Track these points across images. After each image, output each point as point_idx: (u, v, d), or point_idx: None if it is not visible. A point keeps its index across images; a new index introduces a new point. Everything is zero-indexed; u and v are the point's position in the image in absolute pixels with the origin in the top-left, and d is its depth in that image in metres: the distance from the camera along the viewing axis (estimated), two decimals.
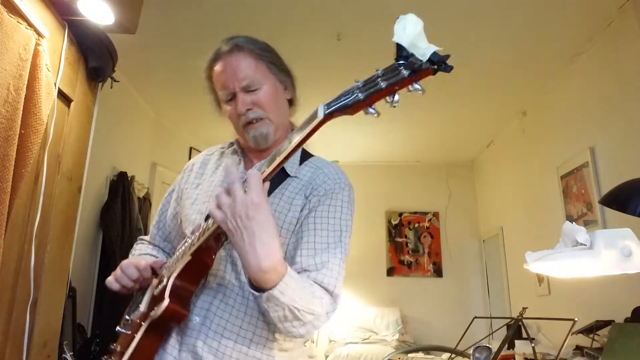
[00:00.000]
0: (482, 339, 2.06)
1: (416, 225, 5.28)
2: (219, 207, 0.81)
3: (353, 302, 4.97)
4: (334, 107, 0.74)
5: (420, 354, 3.74)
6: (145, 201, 3.58)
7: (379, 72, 0.72)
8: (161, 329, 0.97)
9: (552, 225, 3.30)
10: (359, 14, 2.70)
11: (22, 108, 1.30)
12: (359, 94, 0.72)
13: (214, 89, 1.15)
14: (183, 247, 0.99)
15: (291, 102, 1.20)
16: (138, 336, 0.95)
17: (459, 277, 5.08)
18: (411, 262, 5.19)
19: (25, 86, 1.31)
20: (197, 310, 0.98)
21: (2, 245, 1.21)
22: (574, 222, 1.17)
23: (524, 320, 1.97)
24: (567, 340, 1.68)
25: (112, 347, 1.04)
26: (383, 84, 0.71)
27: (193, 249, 0.92)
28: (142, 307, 1.01)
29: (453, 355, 2.23)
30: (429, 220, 5.28)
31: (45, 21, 1.45)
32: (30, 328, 1.42)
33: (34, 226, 1.43)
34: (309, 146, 1.17)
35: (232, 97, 1.09)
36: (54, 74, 1.50)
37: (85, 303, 2.91)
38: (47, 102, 1.42)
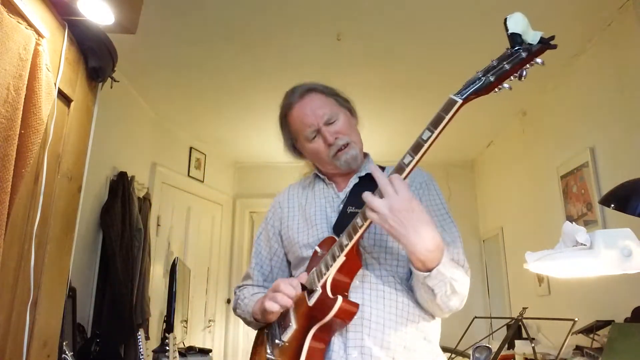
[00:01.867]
0: (482, 339, 2.06)
1: None
2: (374, 210, 0.93)
3: None
4: (469, 92, 0.94)
5: None
6: (145, 201, 3.58)
7: (495, 61, 0.91)
8: (327, 333, 1.05)
9: (552, 225, 3.30)
10: (359, 14, 2.70)
11: (22, 108, 1.30)
12: (490, 77, 0.91)
13: (290, 133, 1.29)
14: (329, 254, 1.05)
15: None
16: (307, 342, 1.03)
17: None
18: None
19: (25, 86, 1.31)
20: None
21: (2, 245, 1.21)
22: (574, 222, 1.17)
23: (524, 320, 1.97)
24: (567, 340, 1.68)
25: None
26: (508, 66, 0.89)
27: (347, 249, 1.01)
28: (294, 324, 1.09)
29: (453, 355, 2.23)
30: None
31: (45, 21, 1.45)
32: (30, 328, 1.42)
33: (34, 226, 1.43)
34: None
35: (316, 134, 1.22)
36: (54, 74, 1.49)
37: (85, 303, 2.91)
38: (47, 102, 1.42)
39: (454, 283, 1.00)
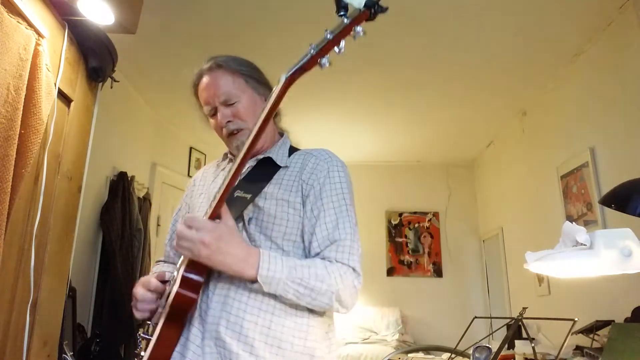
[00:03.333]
0: (482, 339, 2.06)
1: (416, 225, 5.28)
2: (181, 247, 0.95)
3: None
4: (293, 70, 0.87)
5: (420, 354, 3.73)
6: (145, 201, 3.58)
7: (327, 31, 0.83)
8: (178, 319, 1.01)
9: (552, 225, 3.30)
10: None
11: (22, 108, 1.30)
12: (312, 51, 0.84)
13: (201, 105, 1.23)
14: None
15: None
16: (158, 328, 1.00)
17: (459, 277, 5.08)
18: (411, 262, 5.19)
19: (25, 86, 1.31)
20: (215, 298, 1.02)
21: (2, 245, 1.21)
22: (574, 222, 1.17)
23: (524, 320, 1.97)
24: (567, 340, 1.68)
25: (140, 354, 1.10)
26: (330, 36, 0.81)
27: None
28: (161, 310, 1.06)
29: (453, 355, 2.23)
30: (429, 220, 5.28)
31: (45, 21, 1.45)
32: (30, 328, 1.42)
33: (34, 226, 1.43)
34: (300, 145, 1.27)
35: (215, 112, 1.18)
36: (54, 74, 1.49)
37: (85, 303, 2.91)
38: (47, 102, 1.42)
39: (301, 282, 0.97)
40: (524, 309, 1.99)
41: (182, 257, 1.05)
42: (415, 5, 2.61)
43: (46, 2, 1.48)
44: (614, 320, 2.32)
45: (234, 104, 1.16)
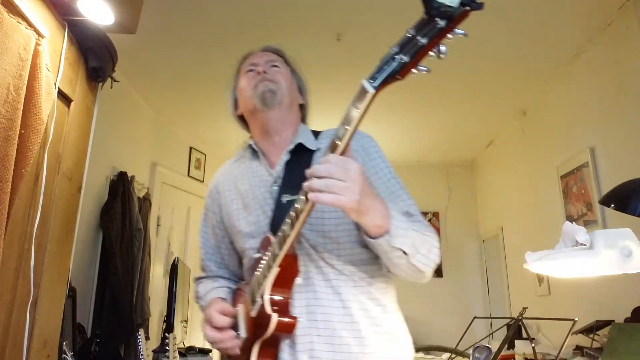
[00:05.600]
0: (482, 339, 2.06)
1: None
2: (335, 193, 0.80)
3: None
4: (381, 78, 0.75)
5: (420, 354, 3.73)
6: (145, 201, 3.58)
7: (411, 31, 0.71)
8: (273, 344, 1.01)
9: (552, 225, 3.30)
10: (359, 14, 2.70)
11: (22, 108, 1.30)
12: (403, 57, 0.72)
13: (237, 83, 1.25)
14: (264, 262, 0.99)
15: (302, 108, 1.27)
16: (253, 356, 1.00)
17: (459, 277, 5.07)
18: None
19: (25, 86, 1.31)
20: (297, 311, 1.01)
21: (2, 245, 1.21)
22: (574, 222, 1.17)
23: (524, 320, 1.97)
24: (567, 340, 1.68)
25: None
26: (424, 40, 0.69)
27: (279, 260, 0.95)
28: (243, 333, 1.05)
29: (453, 355, 2.23)
30: (429, 220, 5.28)
31: (45, 21, 1.45)
32: (30, 328, 1.42)
33: (34, 226, 1.43)
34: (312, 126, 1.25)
35: (253, 69, 1.20)
36: (54, 74, 1.50)
37: (85, 303, 2.91)
38: (47, 102, 1.42)
39: (419, 234, 0.94)
40: (524, 309, 1.99)
41: (255, 274, 1.02)
42: (414, 5, 2.61)
43: (46, 2, 1.48)
44: (614, 320, 2.31)
45: (277, 66, 1.21)
